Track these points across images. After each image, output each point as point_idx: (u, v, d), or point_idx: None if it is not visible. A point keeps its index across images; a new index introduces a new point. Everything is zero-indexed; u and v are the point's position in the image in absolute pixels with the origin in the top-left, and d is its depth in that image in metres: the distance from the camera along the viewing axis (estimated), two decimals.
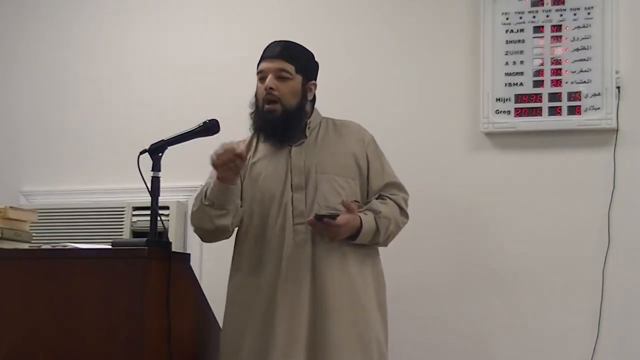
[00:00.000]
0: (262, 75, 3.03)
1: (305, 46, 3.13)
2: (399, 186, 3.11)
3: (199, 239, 4.05)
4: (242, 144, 3.05)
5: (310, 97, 3.09)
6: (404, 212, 3.09)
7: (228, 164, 2.84)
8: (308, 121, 3.07)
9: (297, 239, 2.94)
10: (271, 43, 3.08)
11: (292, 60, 3.03)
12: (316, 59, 3.15)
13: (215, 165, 2.86)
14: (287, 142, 3.04)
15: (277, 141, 3.05)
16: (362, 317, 2.93)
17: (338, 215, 2.87)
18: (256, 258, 2.97)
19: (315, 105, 3.13)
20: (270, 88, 2.98)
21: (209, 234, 3.02)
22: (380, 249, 3.16)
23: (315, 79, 3.11)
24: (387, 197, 3.06)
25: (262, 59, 3.06)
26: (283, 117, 3.00)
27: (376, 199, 3.06)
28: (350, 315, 2.90)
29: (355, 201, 3.01)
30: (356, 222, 2.93)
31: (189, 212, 3.06)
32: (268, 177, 3.01)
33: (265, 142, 3.08)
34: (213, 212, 2.92)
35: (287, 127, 3.01)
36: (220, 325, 3.02)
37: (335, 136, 3.09)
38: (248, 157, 3.06)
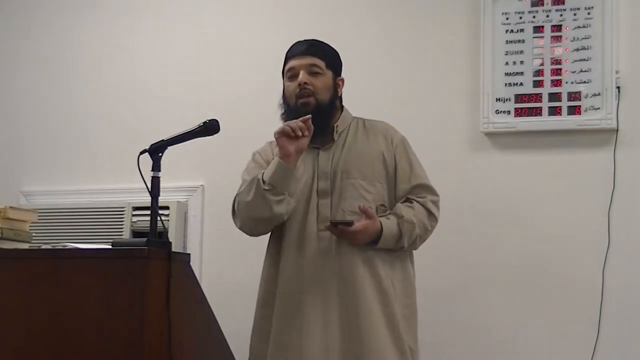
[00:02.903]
0: (292, 73, 3.03)
1: None
2: (427, 188, 3.06)
3: (199, 238, 4.07)
4: (272, 146, 3.08)
5: (339, 94, 3.09)
6: (432, 215, 3.03)
7: (296, 132, 2.83)
8: (336, 125, 3.06)
9: (321, 245, 2.93)
10: (295, 43, 3.09)
11: (321, 56, 3.04)
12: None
13: (282, 131, 2.83)
14: (317, 140, 3.01)
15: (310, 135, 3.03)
16: (394, 323, 2.91)
17: (352, 222, 2.85)
18: (283, 263, 2.97)
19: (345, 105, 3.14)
20: (305, 83, 2.98)
21: (262, 223, 2.96)
22: None
23: (341, 76, 3.12)
24: (414, 200, 3.02)
25: (289, 58, 3.06)
26: (317, 110, 2.98)
27: (404, 201, 3.02)
28: (383, 320, 2.89)
29: (382, 205, 3.00)
30: (376, 227, 2.90)
31: (237, 205, 2.98)
32: (295, 181, 2.99)
33: None
34: (272, 198, 2.88)
35: (321, 120, 2.98)
36: (221, 325, 3.02)
37: (363, 138, 3.07)
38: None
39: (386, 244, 2.94)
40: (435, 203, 3.06)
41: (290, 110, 3.03)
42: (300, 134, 2.84)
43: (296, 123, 2.84)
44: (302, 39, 3.11)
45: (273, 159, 3.01)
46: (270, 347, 2.94)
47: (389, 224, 2.93)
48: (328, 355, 2.85)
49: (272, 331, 2.95)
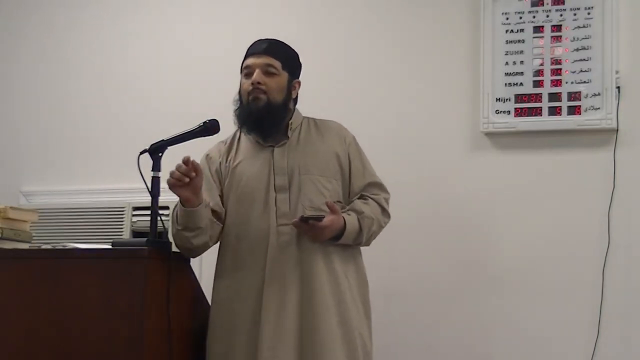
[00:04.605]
0: (248, 71, 3.03)
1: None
2: (380, 186, 3.11)
3: None
4: (222, 145, 3.06)
5: (294, 96, 3.09)
6: (385, 212, 3.09)
7: (183, 180, 2.80)
8: (290, 122, 3.07)
9: (280, 240, 2.93)
10: (256, 41, 3.09)
11: (278, 57, 3.03)
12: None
13: (171, 184, 2.81)
14: (270, 138, 3.03)
15: (259, 135, 3.03)
16: (347, 316, 2.92)
17: (323, 217, 2.87)
18: (240, 260, 2.96)
19: (297, 106, 3.12)
20: (258, 82, 2.98)
21: (191, 252, 2.99)
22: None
23: (299, 78, 3.11)
24: (368, 197, 3.06)
25: (248, 55, 3.06)
26: (268, 109, 2.99)
27: (358, 199, 3.06)
28: (336, 314, 2.91)
29: (338, 202, 3.01)
30: (340, 223, 2.93)
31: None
32: (251, 178, 3.00)
33: (251, 142, 3.07)
34: (188, 234, 2.90)
35: (272, 120, 3.01)
36: None
37: (317, 136, 3.09)
38: (229, 158, 3.07)
39: (347, 239, 2.97)
40: (387, 200, 3.11)
41: (243, 107, 3.03)
42: (187, 180, 2.81)
43: (179, 170, 2.79)
44: (264, 38, 3.10)
45: (220, 159, 3.06)
46: (237, 340, 2.90)
47: (351, 220, 2.97)
48: (280, 351, 2.83)
49: (238, 325, 2.92)
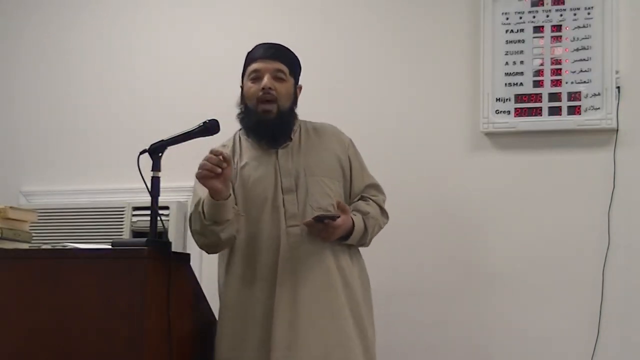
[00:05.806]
0: (256, 75, 3.01)
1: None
2: (377, 187, 3.15)
3: None
4: (225, 149, 3.04)
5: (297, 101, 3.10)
6: (384, 213, 3.14)
7: (215, 170, 2.76)
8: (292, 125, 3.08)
9: (290, 240, 2.93)
10: (260, 45, 3.08)
11: (286, 63, 3.04)
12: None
13: (202, 177, 2.78)
14: (276, 144, 3.03)
15: (267, 143, 3.03)
16: (358, 312, 2.95)
17: (339, 217, 2.89)
18: (250, 261, 2.96)
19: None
20: (269, 88, 2.98)
21: (217, 247, 2.98)
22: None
23: (299, 83, 3.12)
24: (369, 198, 3.10)
25: (255, 59, 3.05)
26: (279, 118, 3.00)
27: (359, 199, 3.09)
28: (350, 311, 2.93)
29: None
30: (349, 223, 2.96)
31: (190, 229, 2.98)
32: (257, 181, 3.00)
33: (252, 144, 3.06)
34: (217, 229, 2.88)
35: (282, 128, 3.02)
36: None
37: (316, 139, 3.10)
38: (235, 161, 3.06)
39: (354, 239, 3.00)
40: (384, 202, 3.16)
41: (250, 112, 3.02)
42: (220, 170, 2.77)
43: (210, 161, 2.76)
44: (266, 42, 3.09)
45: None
46: (249, 342, 2.91)
47: (357, 220, 3.00)
48: (294, 350, 2.84)
49: (250, 327, 2.91)
